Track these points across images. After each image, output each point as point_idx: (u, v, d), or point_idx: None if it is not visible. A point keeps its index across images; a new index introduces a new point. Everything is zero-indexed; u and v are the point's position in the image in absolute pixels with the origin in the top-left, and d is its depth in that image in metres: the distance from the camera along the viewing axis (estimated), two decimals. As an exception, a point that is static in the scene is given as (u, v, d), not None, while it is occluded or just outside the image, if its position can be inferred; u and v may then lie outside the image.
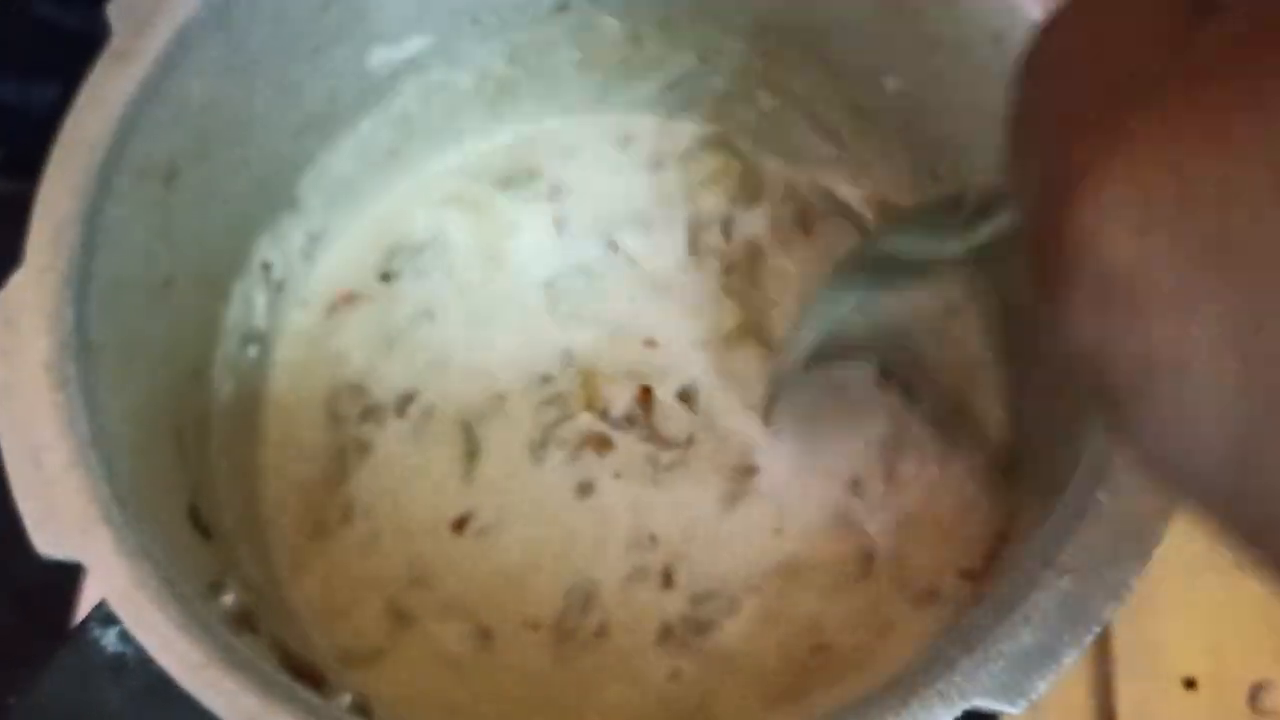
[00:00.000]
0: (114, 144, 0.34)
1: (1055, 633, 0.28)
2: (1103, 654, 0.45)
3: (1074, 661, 0.28)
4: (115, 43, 0.36)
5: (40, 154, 0.41)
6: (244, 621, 0.33)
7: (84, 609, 0.39)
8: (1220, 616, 0.46)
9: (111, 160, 0.34)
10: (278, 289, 0.45)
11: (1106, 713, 0.45)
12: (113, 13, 0.36)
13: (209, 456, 0.40)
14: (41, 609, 0.50)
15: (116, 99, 0.35)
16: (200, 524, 0.36)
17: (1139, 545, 0.29)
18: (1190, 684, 0.45)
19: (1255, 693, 0.45)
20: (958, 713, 0.28)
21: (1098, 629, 0.28)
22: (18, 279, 0.32)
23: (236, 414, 0.43)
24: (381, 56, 0.43)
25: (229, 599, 0.33)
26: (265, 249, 0.44)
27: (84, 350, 0.32)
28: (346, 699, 0.32)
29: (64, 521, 0.30)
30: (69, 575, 0.47)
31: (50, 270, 0.32)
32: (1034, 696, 0.28)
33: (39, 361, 0.31)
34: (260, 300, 0.44)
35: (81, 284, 0.33)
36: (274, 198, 0.44)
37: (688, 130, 0.49)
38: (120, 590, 0.29)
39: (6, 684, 0.40)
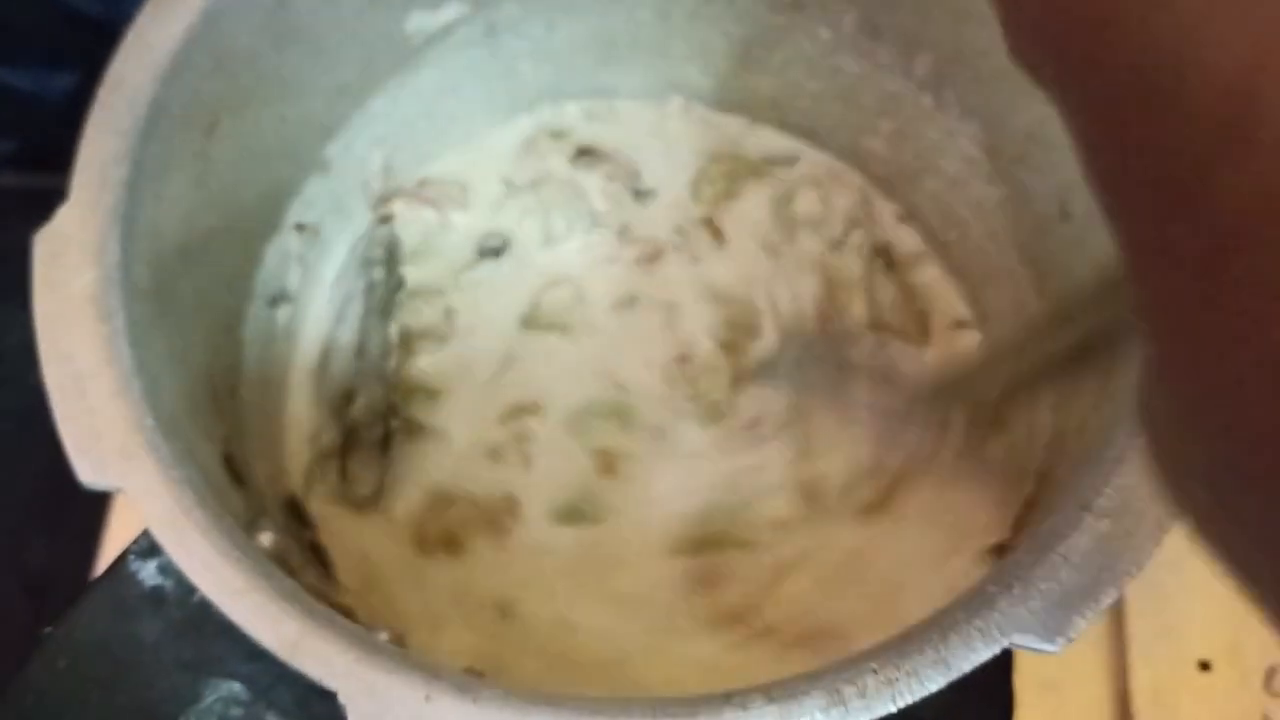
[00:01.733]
0: (159, 88, 0.34)
1: (1094, 573, 0.28)
2: (1118, 636, 0.46)
3: (1112, 601, 0.28)
4: (162, -11, 0.36)
5: (53, 147, 0.42)
6: (280, 562, 0.33)
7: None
8: (1235, 599, 0.46)
9: (156, 103, 0.34)
10: (308, 252, 0.45)
11: (1122, 694, 0.45)
12: (158, -40, 0.36)
13: (240, 410, 0.40)
14: (50, 592, 0.51)
15: (163, 44, 0.35)
16: (234, 471, 0.36)
17: None
18: (1205, 666, 0.45)
19: (1271, 675, 0.45)
20: (997, 649, 0.28)
21: (1136, 571, 0.28)
22: (63, 212, 0.32)
23: (265, 375, 0.43)
24: (418, 22, 0.44)
25: (265, 539, 0.33)
26: (298, 211, 0.44)
27: (127, 288, 0.32)
28: (384, 634, 0.32)
29: (107, 448, 0.30)
30: (76, 559, 0.48)
31: (96, 206, 0.33)
32: (1073, 635, 0.28)
33: (85, 294, 0.31)
34: (292, 263, 0.44)
35: (127, 222, 0.33)
36: (306, 160, 0.44)
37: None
38: (163, 516, 0.29)
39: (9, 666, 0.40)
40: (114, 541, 0.47)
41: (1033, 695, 0.46)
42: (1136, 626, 0.46)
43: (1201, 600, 0.46)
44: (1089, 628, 0.46)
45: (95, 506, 0.48)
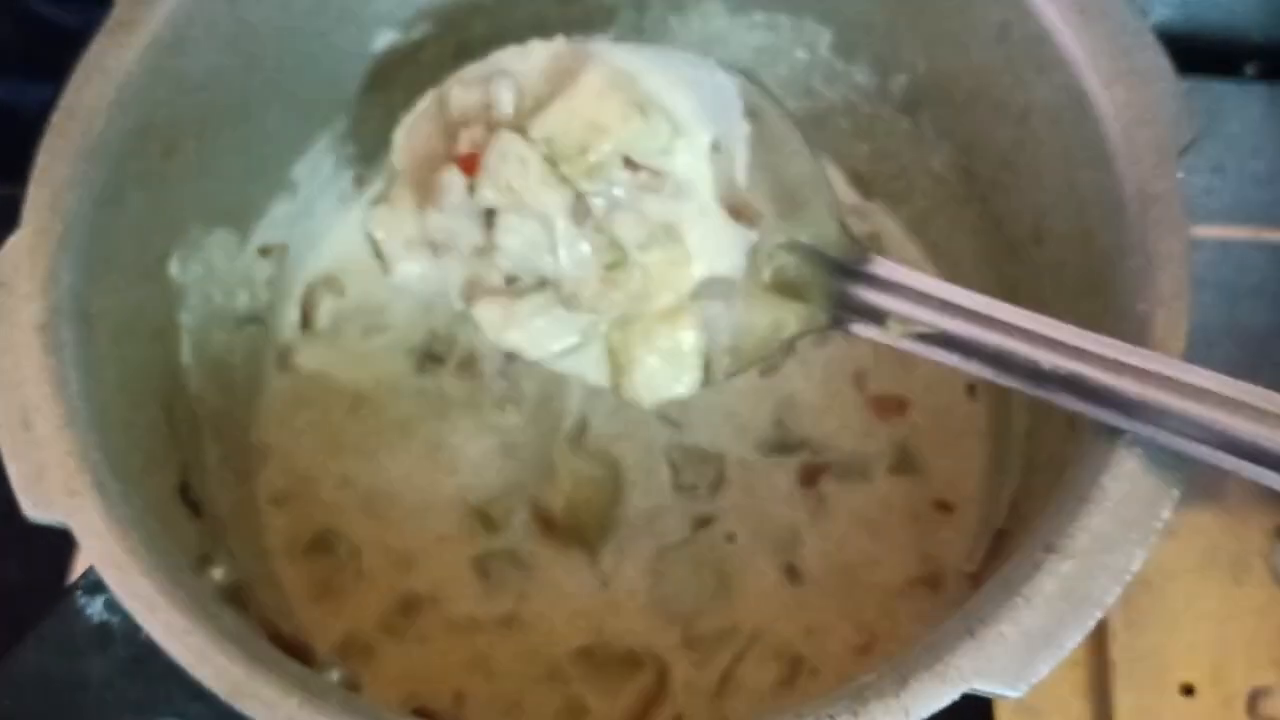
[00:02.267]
0: (113, 113, 0.34)
1: (1057, 616, 0.28)
2: (1101, 660, 0.45)
3: (1075, 646, 0.28)
4: (118, 12, 0.36)
5: (29, 158, 0.41)
6: (233, 597, 0.33)
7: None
8: (1219, 624, 0.46)
9: (110, 129, 0.34)
10: (275, 273, 0.45)
11: (1104, 719, 0.45)
12: (116, -19, 0.36)
13: (200, 438, 0.40)
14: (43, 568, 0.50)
15: (117, 68, 0.35)
16: (190, 500, 0.36)
17: (1141, 531, 0.29)
18: (1188, 690, 0.45)
19: (1254, 699, 0.45)
20: (957, 694, 0.27)
21: (1099, 613, 0.28)
22: (14, 240, 0.32)
23: (232, 399, 0.43)
24: (386, 40, 0.43)
25: (218, 573, 0.33)
26: (261, 233, 0.44)
27: (78, 317, 0.32)
28: (335, 675, 0.31)
29: (52, 484, 0.30)
30: (49, 579, 0.48)
31: (47, 233, 0.32)
32: (1034, 680, 0.28)
33: (32, 324, 0.31)
34: (258, 285, 0.44)
35: (78, 250, 0.33)
36: (270, 180, 0.44)
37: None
38: (108, 556, 0.29)
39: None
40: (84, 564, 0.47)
41: (1014, 718, 0.45)
42: (1119, 650, 0.45)
43: (1184, 624, 0.46)
44: (1074, 652, 0.46)
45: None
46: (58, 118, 0.34)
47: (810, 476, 0.44)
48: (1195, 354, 0.49)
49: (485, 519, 0.44)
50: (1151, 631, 0.46)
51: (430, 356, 0.47)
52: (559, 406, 0.45)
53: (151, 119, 0.36)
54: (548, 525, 0.44)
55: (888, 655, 0.31)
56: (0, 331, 0.31)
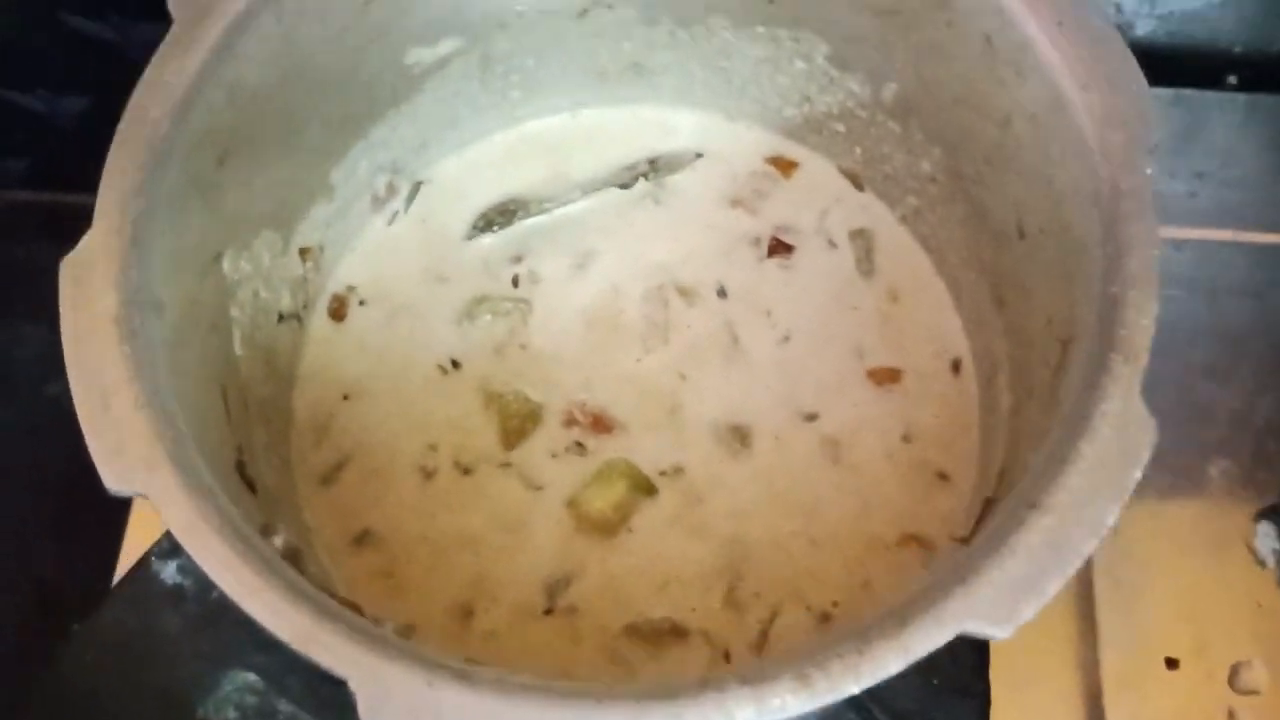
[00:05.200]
0: (174, 123, 0.37)
1: (1041, 565, 0.30)
2: (1089, 634, 0.48)
3: (1057, 591, 0.30)
4: (176, 31, 0.38)
5: (63, 166, 0.43)
6: (293, 560, 0.35)
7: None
8: (1201, 602, 0.49)
9: (171, 137, 0.37)
10: (312, 272, 0.48)
11: (1092, 690, 0.47)
12: (172, 3, 0.39)
13: (250, 423, 0.42)
14: (62, 601, 0.52)
15: (177, 81, 0.37)
16: (246, 478, 0.39)
17: (1115, 488, 0.31)
18: (1173, 663, 0.47)
19: (1235, 672, 0.47)
20: (951, 635, 0.30)
21: (1079, 562, 0.31)
22: (87, 239, 0.35)
23: (271, 391, 0.45)
24: (416, 56, 0.46)
25: (278, 540, 0.36)
26: (304, 234, 0.46)
27: (147, 308, 0.35)
28: (389, 626, 0.34)
29: (132, 459, 0.32)
30: (87, 568, 0.50)
31: (117, 233, 0.35)
32: (1020, 622, 0.30)
33: (108, 315, 0.34)
34: (297, 283, 0.47)
35: (144, 248, 0.35)
36: (312, 185, 0.46)
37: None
38: (184, 522, 0.31)
39: (20, 675, 0.41)
40: (129, 550, 0.49)
41: (1007, 692, 0.46)
42: (1106, 625, 0.48)
43: (1169, 602, 0.48)
44: (1061, 628, 0.48)
45: (106, 516, 0.50)
46: (124, 126, 0.37)
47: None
48: (1179, 350, 0.52)
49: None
50: (1138, 609, 0.48)
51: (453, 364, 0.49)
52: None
53: (208, 127, 0.38)
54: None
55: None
56: (79, 320, 0.34)
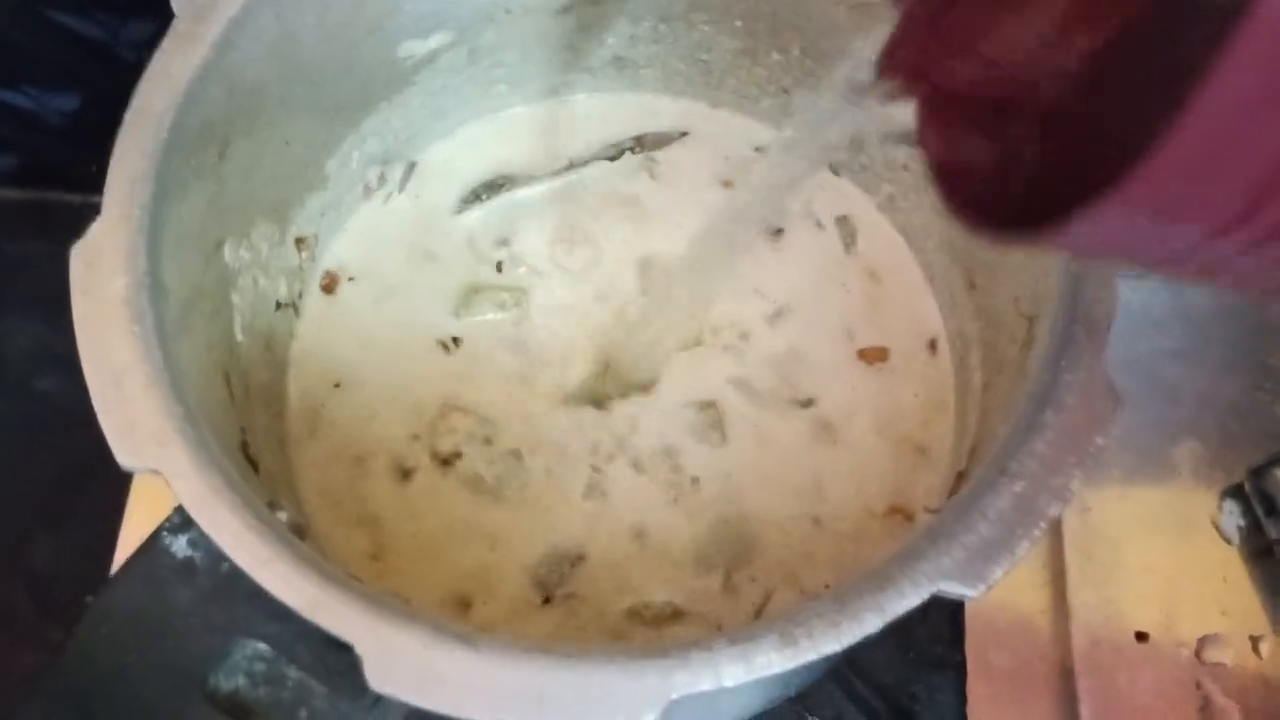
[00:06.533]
0: (178, 114, 0.38)
1: (1009, 527, 0.32)
2: (1061, 608, 0.50)
3: (1025, 552, 0.32)
4: (178, 26, 0.39)
5: (55, 163, 0.43)
6: (298, 535, 0.36)
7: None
8: (1170, 578, 0.50)
9: (175, 128, 0.38)
10: (306, 261, 0.49)
11: (1065, 663, 0.49)
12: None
13: (252, 406, 0.43)
14: (55, 592, 0.53)
15: (180, 75, 0.38)
16: (250, 458, 0.40)
17: (1079, 455, 0.33)
18: (1142, 637, 0.49)
19: (1202, 645, 0.49)
20: (926, 596, 0.31)
21: (1044, 524, 0.32)
22: (96, 226, 0.36)
23: (267, 377, 0.47)
24: (408, 49, 0.47)
25: (283, 515, 0.37)
26: (299, 225, 0.48)
27: (155, 292, 0.36)
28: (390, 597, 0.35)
29: (143, 435, 0.33)
30: (80, 560, 0.51)
31: (126, 219, 0.36)
32: (990, 582, 0.32)
33: (118, 298, 0.35)
34: (293, 273, 0.48)
35: (150, 235, 0.36)
36: (308, 176, 0.48)
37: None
38: (195, 495, 0.32)
39: (21, 667, 0.42)
40: (126, 540, 0.50)
41: (982, 664, 0.49)
42: (1078, 600, 0.49)
43: (1138, 578, 0.50)
44: (1034, 603, 0.49)
45: (98, 509, 0.51)
46: (130, 117, 0.38)
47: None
48: (1146, 334, 0.54)
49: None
50: (1108, 584, 0.50)
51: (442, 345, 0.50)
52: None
53: (209, 121, 0.39)
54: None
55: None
56: (90, 304, 0.35)
